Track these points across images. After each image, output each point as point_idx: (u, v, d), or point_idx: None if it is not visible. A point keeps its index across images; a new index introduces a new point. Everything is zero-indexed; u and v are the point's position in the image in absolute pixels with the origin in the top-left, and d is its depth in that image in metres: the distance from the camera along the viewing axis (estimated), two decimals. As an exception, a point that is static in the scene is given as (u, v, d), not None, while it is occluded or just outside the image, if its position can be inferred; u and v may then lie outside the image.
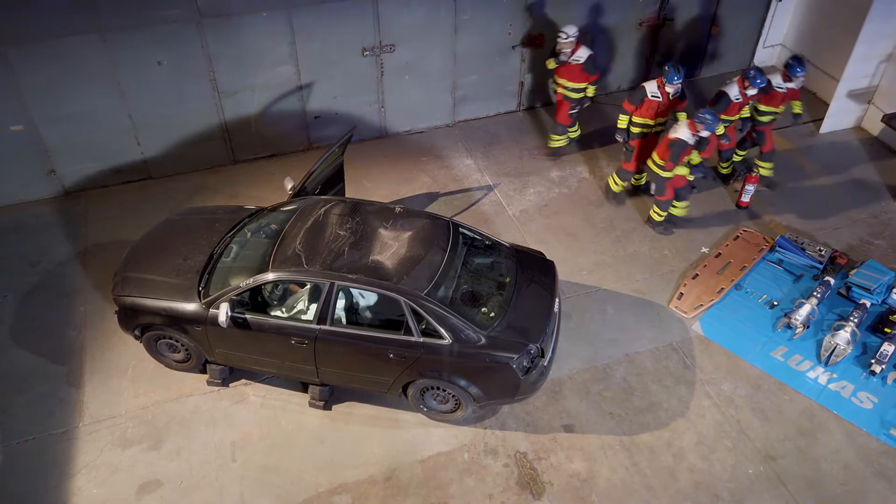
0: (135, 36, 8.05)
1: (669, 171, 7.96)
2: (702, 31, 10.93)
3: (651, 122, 8.53)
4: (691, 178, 8.19)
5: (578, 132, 9.70)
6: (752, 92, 8.43)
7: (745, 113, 8.73)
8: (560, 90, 9.15)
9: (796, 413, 6.77)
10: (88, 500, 6.02)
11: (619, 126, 8.67)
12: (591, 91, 9.13)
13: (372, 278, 5.99)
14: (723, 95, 8.45)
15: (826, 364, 7.12)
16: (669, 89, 8.30)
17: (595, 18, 10.04)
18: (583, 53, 8.75)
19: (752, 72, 8.29)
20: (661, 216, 8.49)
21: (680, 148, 7.84)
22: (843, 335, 7.13)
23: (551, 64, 9.04)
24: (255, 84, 8.96)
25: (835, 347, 7.13)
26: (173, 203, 8.67)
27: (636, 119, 8.55)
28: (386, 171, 9.48)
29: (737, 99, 8.44)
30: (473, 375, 6.13)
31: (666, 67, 8.18)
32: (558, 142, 9.62)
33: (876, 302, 7.65)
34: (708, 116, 7.72)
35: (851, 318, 7.27)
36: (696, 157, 8.09)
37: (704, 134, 7.84)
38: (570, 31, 8.60)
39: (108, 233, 8.40)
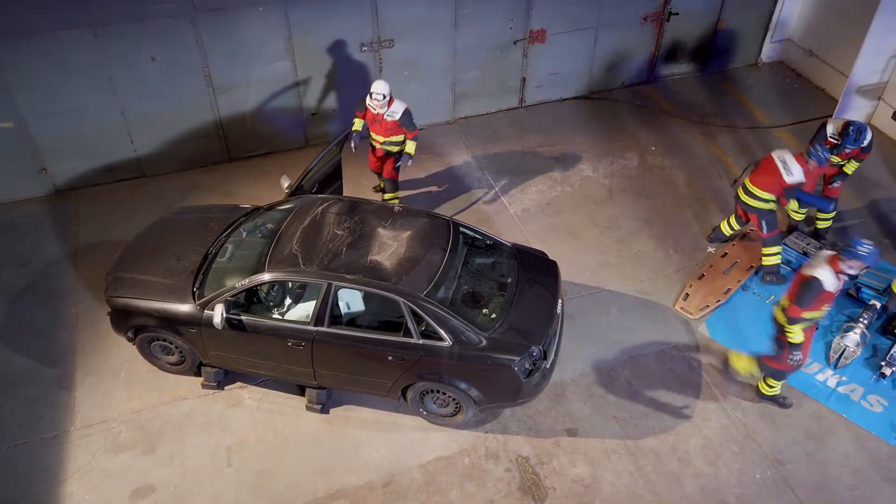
0: (127, 30, 8.04)
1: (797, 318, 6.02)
2: (707, 25, 10.93)
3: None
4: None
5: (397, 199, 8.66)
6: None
7: (848, 169, 8.07)
8: (378, 145, 8.18)
9: (804, 417, 6.77)
10: (80, 506, 6.02)
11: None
12: (410, 147, 8.02)
13: (370, 279, 5.99)
14: (821, 129, 7.96)
15: (835, 367, 7.12)
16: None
17: (598, 12, 10.05)
18: (397, 108, 7.80)
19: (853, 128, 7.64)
20: (774, 389, 6.76)
21: (817, 291, 5.92)
22: (853, 337, 7.14)
23: (359, 125, 8.12)
24: (251, 80, 8.95)
25: (844, 349, 7.13)
26: (167, 202, 8.67)
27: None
28: (384, 169, 9.48)
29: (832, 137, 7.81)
30: (474, 378, 6.13)
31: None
32: (395, 198, 8.58)
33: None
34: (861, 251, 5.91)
35: (861, 320, 7.27)
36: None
37: (852, 272, 5.97)
38: (384, 91, 7.60)
39: (101, 232, 8.40)
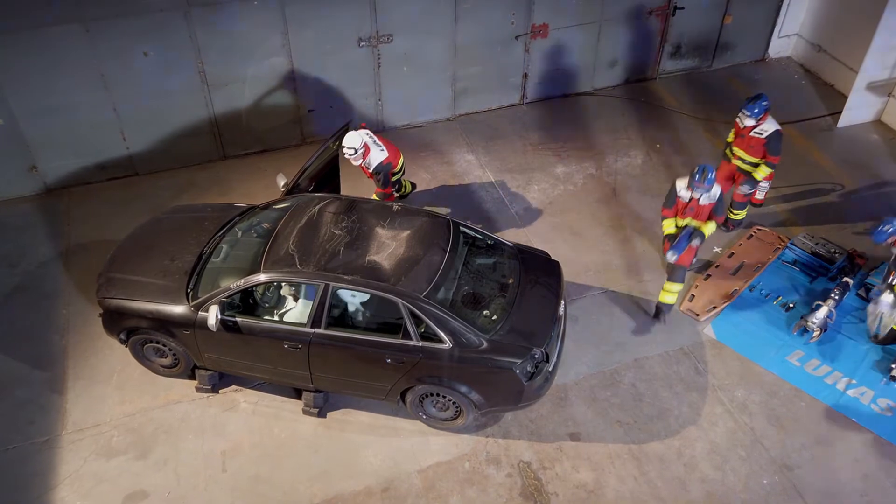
0: (119, 25, 8.04)
1: (662, 218, 7.42)
2: (714, 20, 10.93)
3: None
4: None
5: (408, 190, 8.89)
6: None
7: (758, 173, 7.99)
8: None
9: (813, 420, 6.76)
10: (71, 512, 6.02)
11: None
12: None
13: (368, 279, 5.99)
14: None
15: (878, 333, 7.12)
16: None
17: (602, 6, 10.04)
18: (375, 158, 7.74)
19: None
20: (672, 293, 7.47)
21: (671, 194, 7.26)
22: (886, 300, 7.00)
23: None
24: (246, 76, 8.95)
25: (881, 316, 7.07)
26: (160, 201, 8.66)
27: None
28: (383, 167, 9.47)
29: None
30: (475, 381, 6.13)
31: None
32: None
33: None
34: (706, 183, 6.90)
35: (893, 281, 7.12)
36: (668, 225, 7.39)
37: (695, 194, 7.02)
38: (353, 144, 7.52)
39: (92, 232, 8.40)
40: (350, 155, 7.62)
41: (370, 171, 7.87)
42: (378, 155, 7.77)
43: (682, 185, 7.10)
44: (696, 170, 6.90)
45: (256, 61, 8.87)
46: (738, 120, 7.82)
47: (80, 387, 6.88)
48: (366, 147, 7.69)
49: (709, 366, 7.21)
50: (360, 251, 6.21)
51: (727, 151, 8.19)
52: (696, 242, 7.15)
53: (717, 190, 7.03)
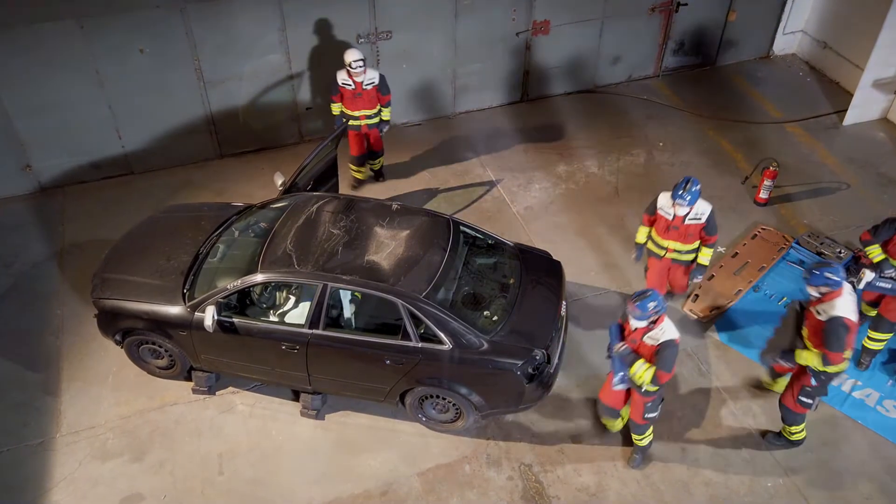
0: (115, 22, 8.05)
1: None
2: (717, 16, 10.93)
3: None
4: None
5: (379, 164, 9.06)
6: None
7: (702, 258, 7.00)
8: (363, 121, 8.42)
9: (818, 422, 6.76)
10: (66, 516, 6.02)
11: None
12: (386, 114, 8.48)
13: (367, 279, 5.99)
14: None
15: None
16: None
17: (604, 3, 10.05)
18: (373, 75, 8.19)
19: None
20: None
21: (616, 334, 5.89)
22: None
23: (337, 109, 8.42)
24: (243, 73, 8.96)
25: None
26: (156, 200, 8.67)
27: None
28: (382, 166, 9.48)
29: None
30: (475, 383, 6.13)
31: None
32: (360, 173, 8.99)
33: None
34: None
35: None
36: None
37: (636, 320, 5.48)
38: (362, 55, 7.96)
39: (87, 231, 8.40)
40: (361, 67, 7.96)
41: (376, 84, 8.20)
42: (373, 72, 8.23)
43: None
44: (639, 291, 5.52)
45: (254, 58, 8.87)
46: (660, 212, 6.83)
47: (74, 388, 6.89)
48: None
49: (712, 367, 7.21)
50: (358, 251, 6.21)
51: (653, 248, 7.10)
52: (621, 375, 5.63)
53: (667, 333, 5.41)
